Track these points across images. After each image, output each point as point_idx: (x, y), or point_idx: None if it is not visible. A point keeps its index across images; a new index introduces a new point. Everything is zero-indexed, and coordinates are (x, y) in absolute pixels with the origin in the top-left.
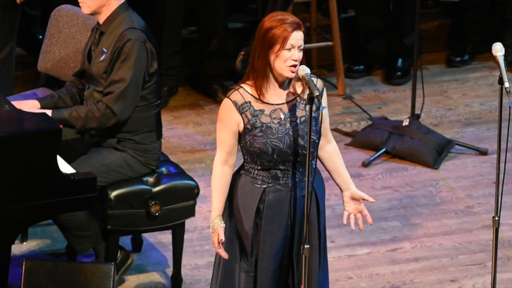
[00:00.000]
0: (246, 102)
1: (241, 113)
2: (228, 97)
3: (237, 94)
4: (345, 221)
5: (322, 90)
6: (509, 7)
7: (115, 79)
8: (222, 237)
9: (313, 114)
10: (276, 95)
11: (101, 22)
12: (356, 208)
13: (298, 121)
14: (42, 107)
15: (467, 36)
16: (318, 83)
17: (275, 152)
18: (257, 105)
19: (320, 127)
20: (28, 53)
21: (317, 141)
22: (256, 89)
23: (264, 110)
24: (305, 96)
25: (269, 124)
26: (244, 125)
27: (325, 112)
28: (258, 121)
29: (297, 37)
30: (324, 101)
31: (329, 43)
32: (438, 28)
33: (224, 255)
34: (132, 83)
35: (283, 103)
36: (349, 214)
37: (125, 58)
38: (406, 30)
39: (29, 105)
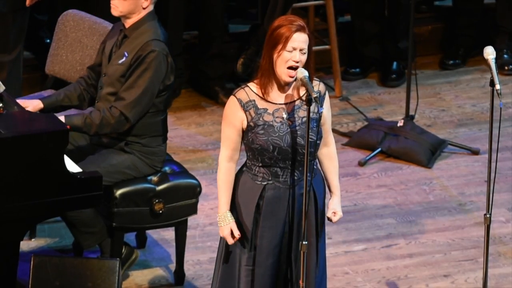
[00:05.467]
0: (250, 101)
1: (245, 111)
2: (234, 95)
3: (243, 92)
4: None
5: (324, 94)
6: (499, 13)
7: (132, 85)
8: (238, 231)
9: (314, 116)
10: (279, 95)
11: (127, 26)
12: (329, 212)
13: (300, 121)
14: (45, 107)
15: (459, 40)
16: (321, 86)
17: (275, 150)
18: (261, 104)
19: (318, 128)
20: (36, 56)
21: (318, 141)
22: (261, 87)
23: (267, 109)
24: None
25: (271, 123)
26: (248, 122)
27: (328, 115)
28: (261, 119)
29: (299, 39)
30: (327, 104)
31: (327, 46)
32: (432, 32)
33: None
34: (147, 91)
35: (286, 103)
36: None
37: (146, 68)
38: (401, 34)
39: (32, 105)
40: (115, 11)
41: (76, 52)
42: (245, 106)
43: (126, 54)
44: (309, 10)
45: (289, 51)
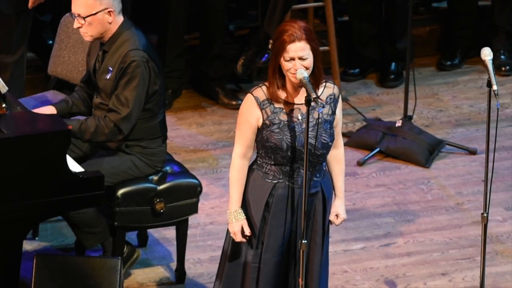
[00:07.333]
0: (267, 99)
1: (261, 109)
2: (251, 93)
3: (260, 91)
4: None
5: (338, 96)
6: (497, 13)
7: (121, 99)
8: (248, 229)
9: (328, 118)
10: (295, 96)
11: (104, 41)
12: (331, 215)
13: (314, 122)
14: (58, 113)
15: (457, 41)
16: (335, 89)
17: (289, 149)
18: (277, 103)
19: (317, 129)
20: (38, 57)
21: (330, 143)
22: (269, 93)
23: (283, 109)
24: (323, 98)
25: (286, 122)
26: (263, 120)
27: (340, 118)
28: (276, 118)
29: (294, 49)
30: (339, 107)
31: (326, 48)
32: (430, 34)
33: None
34: (136, 104)
35: (302, 104)
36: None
37: (130, 79)
38: (399, 35)
39: (46, 112)
40: (86, 38)
41: (78, 53)
42: (261, 104)
43: (111, 69)
44: (308, 11)
45: (287, 61)
